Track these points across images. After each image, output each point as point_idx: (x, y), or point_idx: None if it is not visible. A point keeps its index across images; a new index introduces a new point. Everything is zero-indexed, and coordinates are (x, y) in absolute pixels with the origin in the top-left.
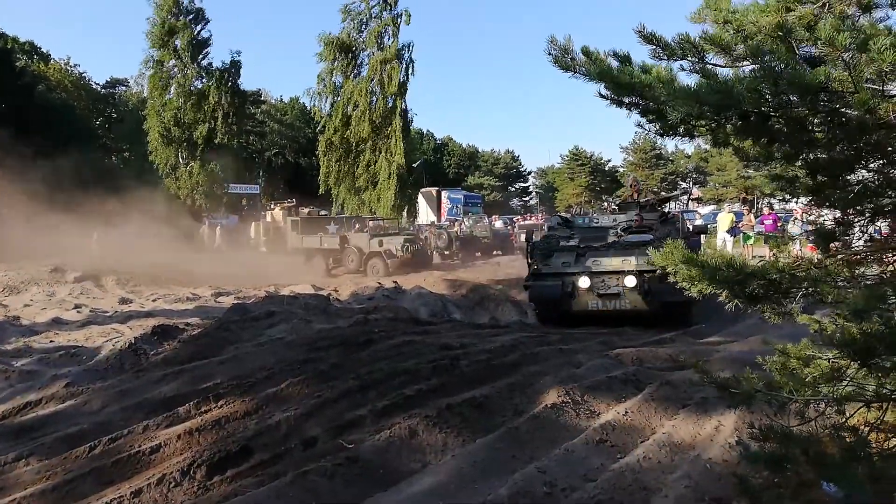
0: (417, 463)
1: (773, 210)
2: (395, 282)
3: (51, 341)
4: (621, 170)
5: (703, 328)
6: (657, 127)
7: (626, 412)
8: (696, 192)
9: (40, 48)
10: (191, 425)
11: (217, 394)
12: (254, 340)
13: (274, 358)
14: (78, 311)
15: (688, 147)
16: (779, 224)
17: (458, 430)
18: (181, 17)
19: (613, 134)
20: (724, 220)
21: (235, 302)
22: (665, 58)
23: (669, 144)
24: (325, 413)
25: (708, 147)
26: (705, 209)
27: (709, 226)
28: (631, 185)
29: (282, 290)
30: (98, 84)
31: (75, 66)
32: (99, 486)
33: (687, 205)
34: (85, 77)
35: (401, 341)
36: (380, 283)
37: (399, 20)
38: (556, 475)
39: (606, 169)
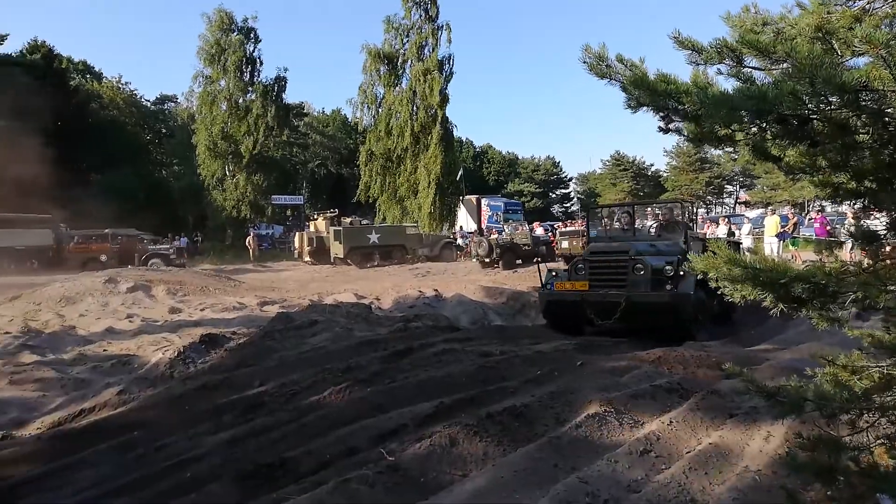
0: (458, 472)
1: (823, 213)
2: (436, 290)
3: (104, 350)
4: (665, 174)
5: (752, 335)
6: (694, 134)
7: (671, 422)
8: (743, 195)
9: (93, 67)
10: (236, 433)
11: (262, 402)
12: (297, 349)
13: (316, 366)
14: (130, 321)
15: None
16: (828, 228)
17: (499, 439)
18: (233, 34)
19: (657, 138)
20: (770, 223)
21: (280, 311)
22: (702, 63)
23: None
24: (365, 421)
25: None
26: (753, 213)
27: None
28: None
29: (325, 298)
30: (148, 101)
31: (126, 83)
32: (147, 493)
33: (734, 209)
34: (136, 94)
35: (441, 349)
36: (421, 292)
37: (439, 32)
38: (598, 486)
39: (649, 174)
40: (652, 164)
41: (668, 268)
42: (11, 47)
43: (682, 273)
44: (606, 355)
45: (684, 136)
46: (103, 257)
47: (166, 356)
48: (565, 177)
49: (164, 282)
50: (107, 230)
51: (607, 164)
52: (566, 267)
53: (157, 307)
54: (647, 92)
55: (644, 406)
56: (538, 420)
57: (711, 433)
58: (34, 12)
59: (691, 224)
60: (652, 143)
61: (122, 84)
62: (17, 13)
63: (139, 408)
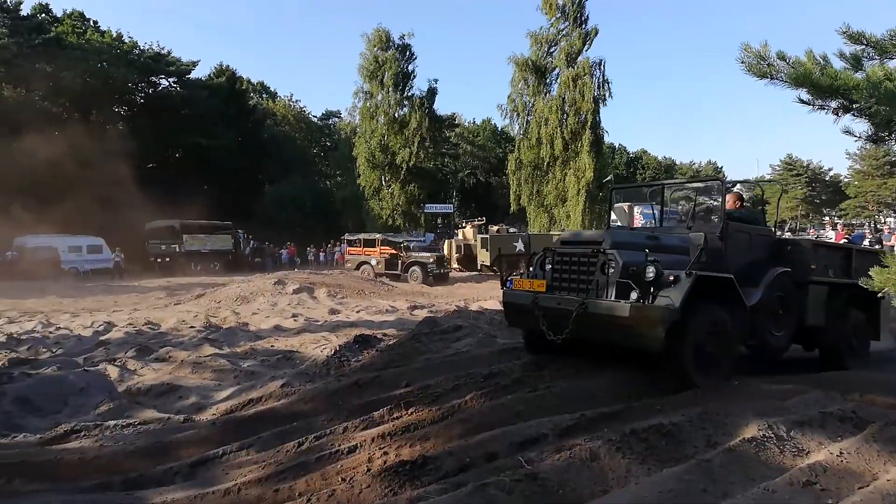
0: (598, 487)
1: None
2: None
3: (271, 345)
4: (846, 179)
5: None
6: (869, 132)
7: (841, 453)
8: None
9: (269, 87)
10: (384, 429)
11: (408, 401)
12: (442, 352)
13: (459, 370)
14: (294, 320)
15: None
16: None
17: (643, 458)
18: (390, 50)
19: (836, 140)
20: None
21: (427, 315)
22: (876, 57)
23: None
24: (505, 427)
25: None
26: None
27: None
28: None
29: (470, 304)
30: (315, 116)
31: (297, 101)
32: (303, 480)
33: None
34: (304, 111)
35: (584, 360)
36: None
37: (587, 38)
38: None
39: (827, 179)
40: (830, 169)
41: (649, 269)
42: (201, 72)
43: (671, 278)
44: (768, 376)
45: (855, 135)
46: (374, 261)
47: (324, 354)
48: (728, 183)
49: (325, 284)
50: (377, 235)
51: (777, 168)
52: None
53: (318, 308)
54: (813, 89)
55: (810, 434)
56: (687, 440)
57: (890, 469)
58: (219, 38)
59: (762, 212)
60: (830, 146)
61: (293, 102)
62: (204, 40)
63: (299, 400)
